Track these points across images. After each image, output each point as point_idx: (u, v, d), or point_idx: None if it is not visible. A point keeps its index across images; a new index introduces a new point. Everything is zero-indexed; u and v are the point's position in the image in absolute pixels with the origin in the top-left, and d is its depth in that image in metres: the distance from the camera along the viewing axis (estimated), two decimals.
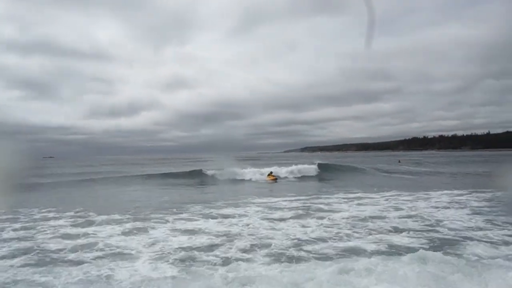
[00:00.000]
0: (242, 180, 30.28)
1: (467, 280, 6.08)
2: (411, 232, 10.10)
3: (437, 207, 14.20)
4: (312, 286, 6.12)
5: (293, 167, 33.71)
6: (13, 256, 8.59)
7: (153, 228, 11.33)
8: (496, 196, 16.76)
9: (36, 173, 30.33)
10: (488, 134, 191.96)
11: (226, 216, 13.12)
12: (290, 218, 12.59)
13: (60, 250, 9.07)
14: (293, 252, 8.48)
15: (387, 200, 16.77)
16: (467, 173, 34.77)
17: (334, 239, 9.57)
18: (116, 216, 13.36)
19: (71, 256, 8.55)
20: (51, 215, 14.01)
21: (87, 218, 13.22)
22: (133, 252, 8.75)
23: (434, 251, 7.86)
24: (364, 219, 12.05)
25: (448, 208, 14.05)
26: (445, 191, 19.58)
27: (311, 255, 8.24)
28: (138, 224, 11.89)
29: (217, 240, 9.65)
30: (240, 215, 13.31)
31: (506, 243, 8.80)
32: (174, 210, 14.67)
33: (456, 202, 15.43)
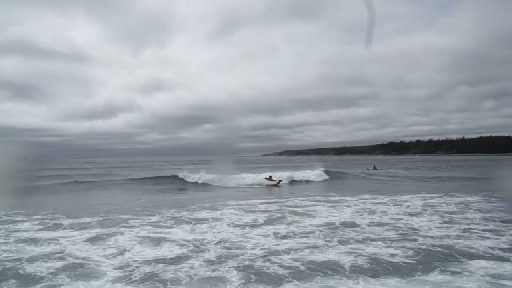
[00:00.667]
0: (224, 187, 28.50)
1: None
2: (390, 242, 9.48)
3: (412, 213, 13.89)
4: None
5: (299, 173, 33.18)
6: None
7: (121, 234, 10.70)
8: (468, 201, 16.75)
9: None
10: (463, 139, 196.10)
11: (198, 221, 12.57)
12: (264, 224, 12.09)
13: (17, 260, 8.30)
14: (263, 265, 7.79)
15: (370, 204, 16.60)
16: (442, 177, 35.36)
17: (308, 249, 8.90)
18: (85, 220, 12.75)
19: (27, 268, 7.77)
20: (18, 218, 13.30)
21: (55, 221, 12.67)
22: (94, 265, 8.00)
23: (423, 267, 7.43)
24: (339, 226, 11.58)
25: (423, 213, 13.77)
26: (418, 195, 19.55)
27: (282, 271, 7.53)
28: (106, 230, 11.23)
29: (185, 250, 8.98)
30: (213, 219, 12.83)
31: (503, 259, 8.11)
32: (146, 215, 14.07)
33: (430, 206, 15.27)
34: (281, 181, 29.09)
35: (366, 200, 17.76)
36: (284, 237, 10.32)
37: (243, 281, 6.90)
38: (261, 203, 17.12)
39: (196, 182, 29.66)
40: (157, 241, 9.90)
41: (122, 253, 8.86)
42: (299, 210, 14.89)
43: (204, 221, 12.65)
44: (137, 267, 7.76)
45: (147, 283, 6.91)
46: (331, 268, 7.53)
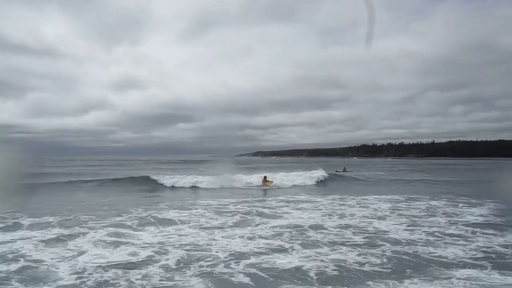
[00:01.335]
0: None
1: None
2: (359, 247, 9.30)
3: (379, 216, 13.85)
4: None
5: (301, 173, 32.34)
6: None
7: (83, 235, 10.25)
8: (432, 205, 16.93)
9: None
10: (433, 143, 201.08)
11: (165, 223, 12.19)
12: (232, 226, 11.80)
13: None
14: (225, 271, 7.45)
15: (339, 205, 16.57)
16: (412, 180, 36.00)
17: (274, 253, 8.64)
18: (46, 221, 12.21)
19: None
20: None
21: (15, 221, 12.12)
22: (48, 268, 7.53)
23: (394, 274, 7.23)
24: (308, 229, 11.36)
25: (389, 216, 13.73)
26: (385, 196, 19.72)
27: (245, 278, 7.19)
28: (66, 232, 10.74)
29: (145, 254, 8.57)
30: (181, 221, 12.46)
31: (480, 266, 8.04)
32: (112, 215, 13.59)
33: (397, 209, 15.27)
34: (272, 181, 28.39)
35: (334, 201, 17.81)
36: (251, 239, 10.02)
37: None
38: (232, 204, 16.84)
39: (168, 184, 27.92)
40: (118, 244, 9.41)
41: (79, 256, 8.37)
42: (267, 211, 14.71)
43: (171, 223, 12.22)
44: (90, 273, 7.26)
45: None
46: (295, 276, 7.22)
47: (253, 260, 8.20)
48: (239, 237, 10.38)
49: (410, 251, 8.94)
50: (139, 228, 11.57)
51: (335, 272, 7.46)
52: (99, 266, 7.69)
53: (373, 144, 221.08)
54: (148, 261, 8.12)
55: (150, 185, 27.33)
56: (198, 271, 7.46)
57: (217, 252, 8.82)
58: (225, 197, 19.76)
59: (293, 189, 26.11)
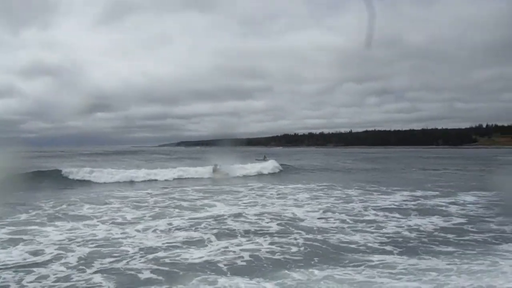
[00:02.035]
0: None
1: None
2: (276, 238, 9.33)
3: (293, 204, 14.09)
4: None
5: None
6: None
7: None
8: (348, 194, 17.65)
9: None
10: (351, 132, 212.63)
11: (76, 219, 11.36)
12: (147, 218, 11.35)
13: None
14: (132, 267, 7.02)
15: (260, 194, 16.77)
16: (328, 168, 37.58)
17: (187, 245, 8.40)
18: None
19: None
20: None
21: None
22: None
23: (305, 262, 7.26)
24: (227, 218, 11.19)
25: (308, 204, 14.02)
26: (301, 185, 20.30)
27: (153, 274, 6.84)
28: None
29: (49, 252, 7.87)
30: (94, 216, 11.73)
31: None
32: (18, 212, 12.25)
33: (315, 198, 15.59)
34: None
35: (255, 191, 18.00)
36: (167, 232, 9.67)
37: None
38: (150, 196, 16.34)
39: (81, 178, 25.34)
40: (17, 242, 8.57)
41: None
42: (186, 204, 14.33)
43: (83, 219, 11.40)
44: None
45: None
46: (208, 268, 7.01)
47: (165, 253, 7.89)
48: (153, 230, 9.97)
49: (322, 238, 9.14)
50: (47, 223, 10.72)
51: (250, 263, 7.41)
52: None
53: (295, 134, 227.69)
54: (49, 260, 7.42)
55: (61, 179, 25.37)
56: (101, 268, 6.94)
57: (128, 245, 8.39)
58: (143, 189, 19.04)
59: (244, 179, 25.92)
